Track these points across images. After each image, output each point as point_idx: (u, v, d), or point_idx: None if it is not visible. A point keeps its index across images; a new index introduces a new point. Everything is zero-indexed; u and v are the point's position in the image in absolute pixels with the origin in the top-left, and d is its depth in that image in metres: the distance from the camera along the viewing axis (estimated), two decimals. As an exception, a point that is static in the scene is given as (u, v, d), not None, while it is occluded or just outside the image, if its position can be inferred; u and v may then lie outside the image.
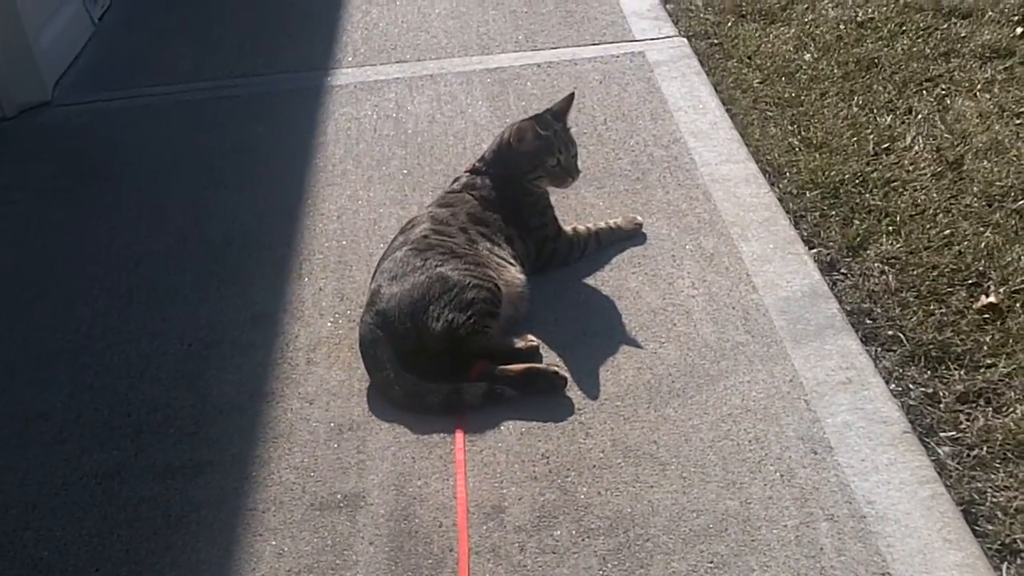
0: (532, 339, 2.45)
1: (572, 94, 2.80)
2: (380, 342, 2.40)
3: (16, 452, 2.36)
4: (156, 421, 2.40)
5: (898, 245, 2.77)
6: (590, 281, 2.71)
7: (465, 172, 2.82)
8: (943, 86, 3.51)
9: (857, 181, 3.05)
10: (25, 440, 2.39)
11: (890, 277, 2.67)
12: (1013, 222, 2.80)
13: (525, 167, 2.70)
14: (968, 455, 2.17)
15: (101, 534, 2.12)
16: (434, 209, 2.70)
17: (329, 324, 2.65)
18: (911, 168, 3.09)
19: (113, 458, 2.31)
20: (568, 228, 2.81)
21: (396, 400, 2.36)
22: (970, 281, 2.62)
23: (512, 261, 2.63)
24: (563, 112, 2.77)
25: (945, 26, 3.89)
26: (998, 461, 2.14)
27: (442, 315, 2.37)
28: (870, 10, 4.07)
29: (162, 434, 2.36)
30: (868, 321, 2.55)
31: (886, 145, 3.21)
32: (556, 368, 2.37)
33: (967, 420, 2.25)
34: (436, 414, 2.32)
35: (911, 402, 2.31)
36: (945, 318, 2.51)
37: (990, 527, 2.01)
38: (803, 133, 3.33)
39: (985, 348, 2.41)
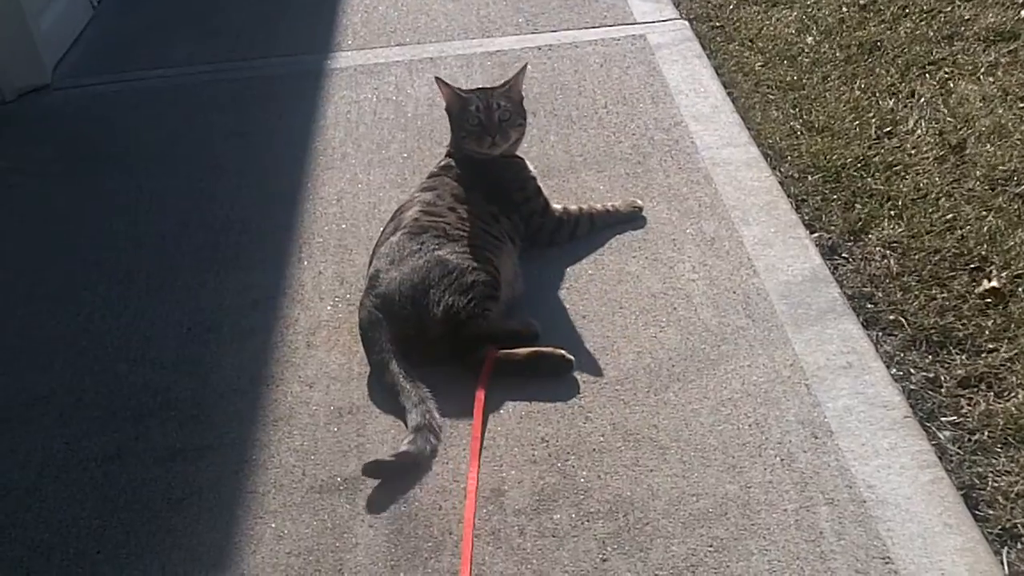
0: (532, 322, 2.45)
1: (525, 65, 2.81)
2: (379, 325, 2.40)
3: (17, 435, 2.36)
4: (157, 404, 2.40)
5: (900, 229, 2.76)
6: (590, 265, 2.71)
7: (445, 155, 2.83)
8: (946, 69, 3.49)
9: (859, 165, 3.03)
10: (26, 423, 2.39)
11: (892, 261, 2.66)
12: (1016, 206, 2.79)
13: (455, 129, 2.75)
14: (969, 440, 2.17)
15: (102, 516, 2.12)
16: (419, 194, 2.70)
17: (329, 308, 2.65)
18: (913, 152, 3.07)
19: (114, 441, 2.31)
20: (559, 206, 2.80)
21: (385, 385, 2.35)
22: (972, 265, 2.61)
23: (502, 238, 2.63)
24: (511, 82, 2.77)
25: (948, 9, 3.86)
26: (999, 446, 2.14)
27: (443, 299, 2.37)
28: (873, -8, 4.05)
29: (163, 417, 2.36)
30: (869, 305, 2.54)
31: (888, 129, 3.20)
32: (562, 351, 2.37)
33: (968, 405, 2.25)
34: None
35: (912, 386, 2.30)
36: (947, 302, 2.51)
37: (991, 512, 2.01)
38: (805, 117, 3.31)
39: (987, 333, 2.40)
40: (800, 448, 2.12)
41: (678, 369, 2.35)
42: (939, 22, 3.78)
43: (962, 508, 1.98)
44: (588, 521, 2.00)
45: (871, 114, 3.27)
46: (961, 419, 2.22)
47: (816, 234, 2.79)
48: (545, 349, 2.37)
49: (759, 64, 3.67)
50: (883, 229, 2.77)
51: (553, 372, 2.35)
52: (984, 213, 2.78)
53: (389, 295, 2.41)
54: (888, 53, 3.62)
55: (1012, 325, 2.41)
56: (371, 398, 2.35)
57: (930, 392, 2.29)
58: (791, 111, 3.36)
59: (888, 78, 3.48)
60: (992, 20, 3.73)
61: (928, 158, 3.03)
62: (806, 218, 2.86)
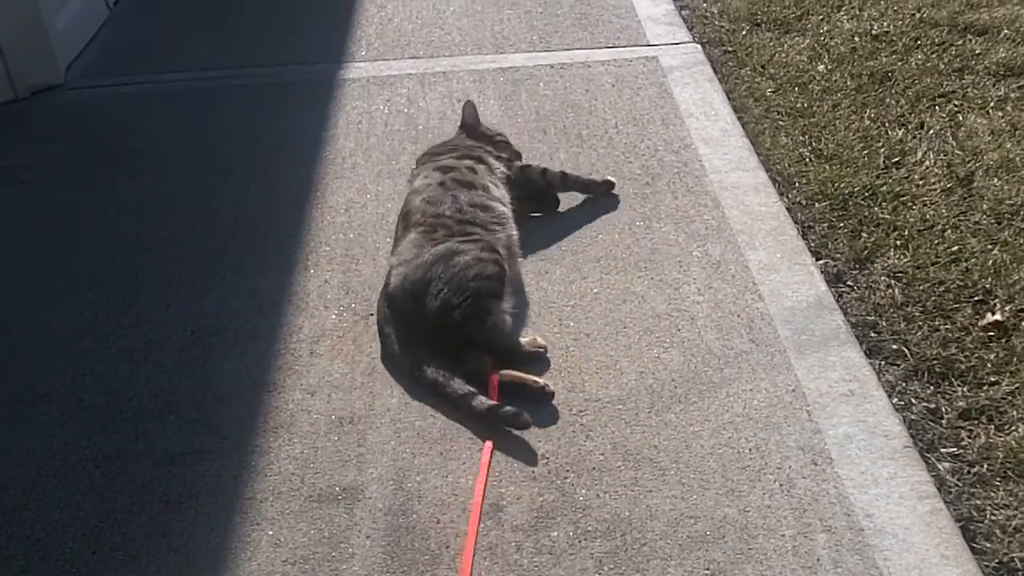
0: (540, 341, 2.45)
1: (468, 101, 3.14)
2: (387, 318, 2.49)
3: (17, 433, 2.36)
4: (157, 407, 2.40)
5: (905, 259, 2.76)
6: (595, 283, 2.71)
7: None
8: (956, 102, 3.50)
9: (867, 194, 3.04)
10: (26, 422, 2.39)
11: (896, 291, 2.66)
12: (1021, 241, 2.80)
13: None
14: (968, 472, 2.16)
15: (99, 517, 2.12)
16: (427, 177, 2.82)
17: (333, 316, 2.65)
18: (921, 183, 3.08)
19: (113, 442, 2.31)
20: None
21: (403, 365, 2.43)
22: (976, 298, 2.62)
23: (503, 219, 2.71)
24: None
25: (960, 42, 3.88)
26: (998, 479, 2.14)
27: (440, 294, 2.40)
28: (885, 24, 4.07)
29: (163, 420, 2.36)
30: (873, 334, 2.54)
31: (897, 159, 3.21)
32: (545, 384, 2.34)
33: (968, 437, 2.25)
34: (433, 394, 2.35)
35: (913, 416, 2.30)
36: (950, 334, 2.51)
37: (988, 545, 2.00)
38: (814, 144, 3.32)
39: (989, 366, 2.41)
40: (799, 474, 2.12)
41: (680, 391, 2.35)
42: (950, 55, 3.80)
43: (960, 540, 1.98)
44: (586, 540, 2.00)
45: (880, 144, 3.29)
46: (961, 451, 2.22)
47: (822, 261, 2.80)
48: (529, 382, 2.34)
49: (770, 90, 3.68)
50: (888, 259, 2.78)
51: (532, 400, 2.32)
52: (990, 247, 2.78)
53: (394, 290, 2.48)
54: (899, 84, 3.64)
55: (1014, 359, 2.41)
56: (373, 408, 2.35)
57: (931, 423, 2.29)
58: (800, 138, 3.37)
59: (898, 109, 3.49)
60: (1003, 55, 3.75)
61: (935, 190, 3.04)
62: (812, 245, 2.86)
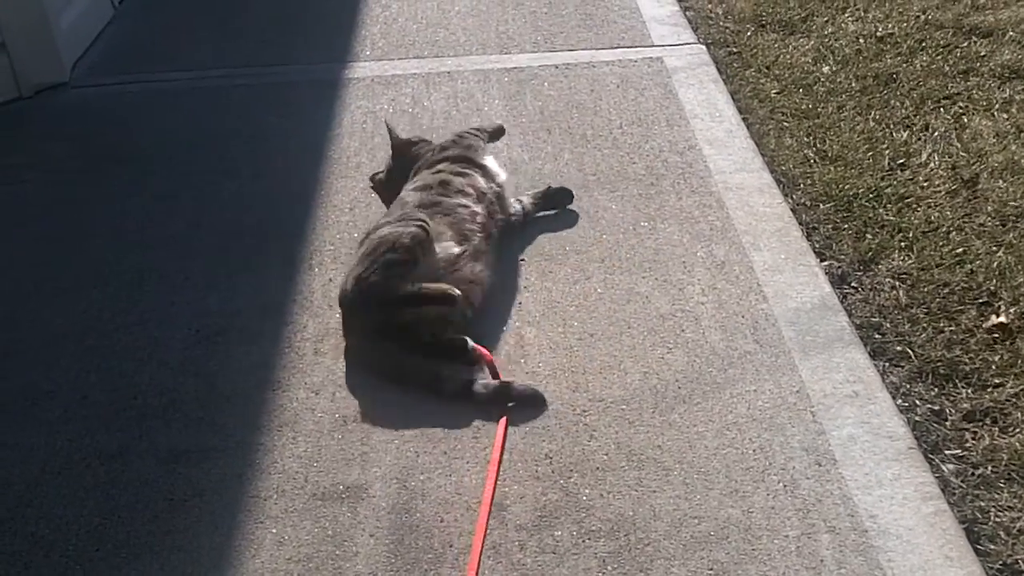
0: (485, 351, 2.43)
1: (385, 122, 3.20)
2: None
3: (21, 430, 2.36)
4: (162, 405, 2.40)
5: (910, 261, 2.76)
6: (600, 284, 2.71)
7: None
8: (961, 104, 3.50)
9: (871, 195, 3.04)
10: (30, 419, 2.39)
11: (901, 293, 2.66)
12: (1026, 243, 2.81)
13: None
14: (972, 473, 2.16)
15: (103, 515, 2.12)
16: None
17: (338, 316, 2.65)
18: (926, 185, 3.08)
19: (117, 440, 2.31)
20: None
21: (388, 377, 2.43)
22: (981, 300, 2.62)
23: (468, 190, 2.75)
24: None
25: (965, 44, 3.88)
26: (1002, 481, 2.14)
27: (352, 271, 2.47)
28: (890, 25, 4.08)
29: (167, 418, 2.37)
30: (877, 336, 2.54)
31: (901, 161, 3.21)
32: (534, 389, 2.35)
33: (973, 438, 2.25)
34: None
35: (917, 418, 2.30)
36: (954, 336, 2.51)
37: (992, 547, 2.00)
38: (819, 145, 3.33)
39: (993, 368, 2.41)
40: (803, 475, 2.12)
41: (684, 391, 2.35)
42: (955, 57, 3.80)
43: (964, 542, 1.98)
44: (589, 539, 2.00)
45: (885, 145, 3.29)
46: (965, 453, 2.22)
47: (826, 262, 2.80)
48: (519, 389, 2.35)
49: (775, 91, 3.68)
50: (893, 260, 2.78)
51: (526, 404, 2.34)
52: (994, 248, 2.78)
53: (340, 303, 2.56)
54: (903, 86, 3.64)
55: (1019, 361, 2.41)
56: (376, 407, 2.35)
57: (935, 424, 2.29)
58: (805, 139, 3.37)
59: (903, 110, 3.49)
60: (1008, 57, 3.75)
61: (940, 191, 3.04)
62: (817, 246, 2.86)
